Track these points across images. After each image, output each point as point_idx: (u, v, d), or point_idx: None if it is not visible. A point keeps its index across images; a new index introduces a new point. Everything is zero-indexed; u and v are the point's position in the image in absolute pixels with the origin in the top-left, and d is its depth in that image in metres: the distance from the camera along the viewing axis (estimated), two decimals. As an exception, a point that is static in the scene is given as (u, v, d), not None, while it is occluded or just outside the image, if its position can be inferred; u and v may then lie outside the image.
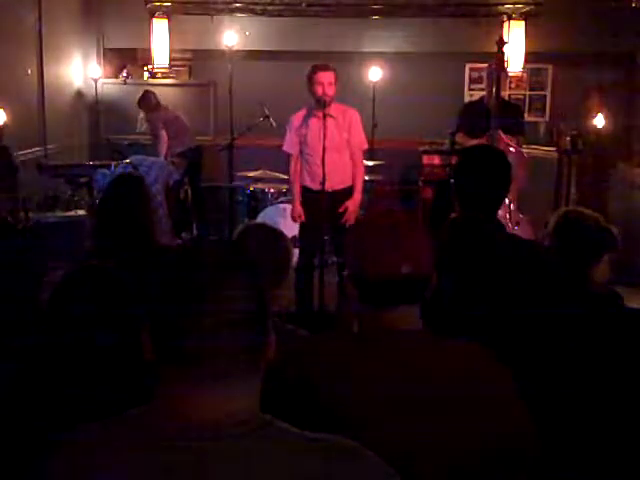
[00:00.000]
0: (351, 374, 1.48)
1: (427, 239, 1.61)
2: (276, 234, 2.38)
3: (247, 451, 1.08)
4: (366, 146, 5.45)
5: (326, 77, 5.04)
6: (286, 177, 5.61)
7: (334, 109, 5.18)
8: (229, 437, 1.09)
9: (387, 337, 1.53)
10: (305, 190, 5.36)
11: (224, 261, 1.15)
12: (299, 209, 5.30)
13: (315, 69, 5.08)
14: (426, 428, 1.43)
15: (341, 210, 5.21)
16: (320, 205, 5.06)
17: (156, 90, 8.13)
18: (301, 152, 5.35)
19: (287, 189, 5.86)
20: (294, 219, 5.38)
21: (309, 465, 1.09)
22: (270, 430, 1.12)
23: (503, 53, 5.42)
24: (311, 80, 5.07)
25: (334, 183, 5.15)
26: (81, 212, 5.65)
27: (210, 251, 1.18)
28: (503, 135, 5.30)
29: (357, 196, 5.28)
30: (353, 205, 5.25)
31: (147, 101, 7.39)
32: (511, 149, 5.10)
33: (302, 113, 5.30)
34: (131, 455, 1.08)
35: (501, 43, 5.34)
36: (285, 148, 5.37)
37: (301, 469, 1.09)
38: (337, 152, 5.17)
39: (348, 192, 5.27)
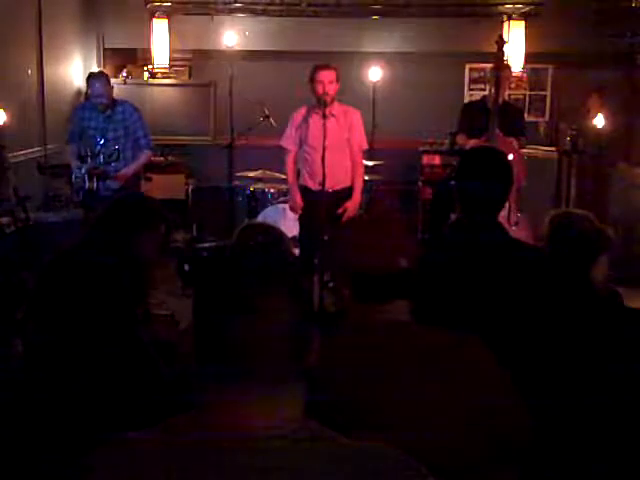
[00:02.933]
0: (347, 368, 1.49)
1: (406, 235, 1.69)
2: (276, 233, 2.38)
3: (295, 462, 1.07)
4: (366, 146, 5.46)
5: (327, 76, 5.06)
6: (286, 177, 5.62)
7: (336, 109, 5.20)
8: (277, 447, 1.07)
9: (380, 330, 1.55)
10: (304, 190, 5.37)
11: (269, 269, 1.13)
12: (299, 202, 5.34)
13: (316, 68, 5.12)
14: (420, 418, 1.45)
15: (341, 211, 5.22)
16: (319, 205, 5.06)
17: (156, 90, 8.14)
18: (301, 151, 5.37)
19: (287, 189, 5.86)
20: (294, 211, 5.43)
21: (357, 474, 1.08)
22: (318, 440, 1.11)
23: (503, 52, 5.41)
24: (312, 79, 5.09)
25: (334, 183, 5.16)
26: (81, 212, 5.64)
27: (254, 258, 1.16)
28: (503, 136, 5.30)
29: (357, 196, 5.30)
30: (353, 205, 5.26)
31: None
32: (510, 151, 5.10)
33: (303, 111, 5.32)
34: (176, 464, 1.07)
35: (501, 43, 5.33)
36: (283, 143, 5.41)
37: (350, 478, 1.08)
38: (337, 152, 5.18)
39: (348, 192, 5.28)
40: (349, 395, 1.45)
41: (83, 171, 5.31)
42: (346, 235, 1.72)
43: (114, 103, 5.51)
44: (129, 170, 5.48)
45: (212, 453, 1.07)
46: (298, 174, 5.48)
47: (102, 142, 5.31)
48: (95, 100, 5.44)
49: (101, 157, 5.29)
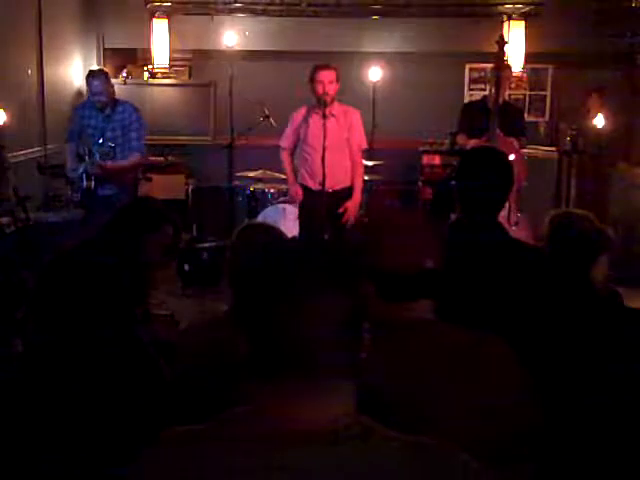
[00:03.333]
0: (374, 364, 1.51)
1: (434, 237, 1.72)
2: (276, 233, 2.38)
3: (346, 458, 1.07)
4: (366, 146, 5.47)
5: (327, 76, 5.06)
6: (285, 177, 5.63)
7: (335, 108, 5.20)
8: (328, 444, 1.07)
9: (402, 328, 1.58)
10: (304, 190, 5.37)
11: (320, 265, 1.13)
12: (299, 191, 5.35)
13: (316, 68, 5.12)
14: (442, 415, 1.47)
15: (341, 210, 5.22)
16: (319, 205, 5.07)
17: (156, 90, 8.14)
18: (300, 150, 5.37)
19: (287, 189, 5.86)
20: (294, 198, 5.43)
21: (411, 470, 1.09)
22: (372, 435, 1.11)
23: (504, 52, 5.41)
24: (312, 79, 5.09)
25: (334, 183, 5.16)
26: (81, 212, 5.64)
27: (305, 255, 1.16)
28: (504, 136, 5.30)
29: (357, 196, 5.30)
30: (353, 205, 5.26)
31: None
32: (511, 151, 5.09)
33: (303, 111, 5.32)
34: (228, 459, 1.08)
35: (502, 42, 5.33)
36: (280, 142, 5.43)
37: (403, 474, 1.08)
38: (337, 152, 5.18)
39: (347, 192, 5.28)
40: (373, 392, 1.46)
41: (81, 170, 5.30)
42: (373, 233, 1.74)
43: (115, 103, 5.49)
44: (115, 165, 5.38)
45: (263, 449, 1.07)
46: (297, 173, 5.49)
47: (100, 141, 5.30)
48: (93, 98, 5.42)
49: (97, 155, 5.29)
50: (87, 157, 5.30)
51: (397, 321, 1.60)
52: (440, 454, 1.13)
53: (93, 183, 5.28)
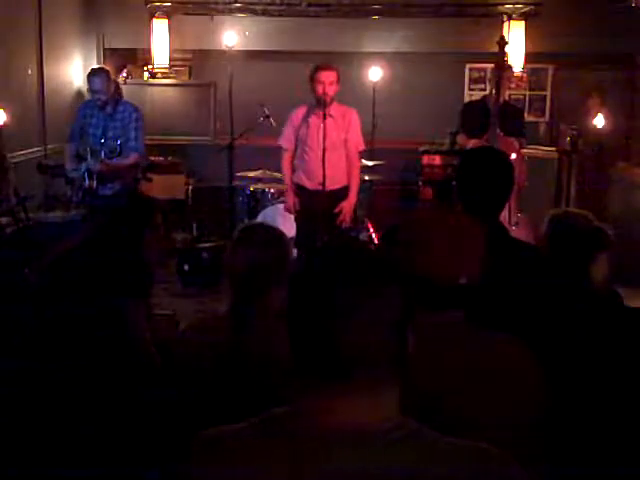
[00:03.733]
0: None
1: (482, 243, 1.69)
2: (276, 233, 2.38)
3: (399, 458, 1.07)
4: (363, 147, 5.46)
5: (327, 76, 5.04)
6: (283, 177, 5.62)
7: (334, 109, 5.19)
8: (372, 446, 1.07)
9: (433, 330, 1.58)
10: (301, 189, 5.36)
11: (369, 269, 1.13)
12: (294, 200, 5.33)
13: (317, 68, 5.09)
14: (471, 414, 1.48)
15: (336, 210, 5.22)
16: (316, 205, 5.06)
17: (156, 90, 8.14)
18: (297, 150, 5.36)
19: (287, 189, 5.86)
20: (289, 210, 5.42)
21: (459, 473, 1.09)
22: (420, 437, 1.11)
23: (505, 53, 5.41)
24: (312, 79, 5.07)
25: (330, 183, 5.16)
26: (81, 212, 5.64)
27: (351, 258, 1.15)
28: (504, 136, 5.30)
29: (352, 197, 5.30)
30: (348, 205, 5.26)
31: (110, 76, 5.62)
32: (512, 151, 5.09)
33: (302, 110, 5.31)
34: (270, 460, 1.08)
35: (502, 43, 5.33)
36: (280, 142, 5.40)
37: (451, 477, 1.08)
38: (335, 152, 5.18)
39: (344, 192, 5.27)
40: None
41: (83, 169, 5.31)
42: (414, 235, 1.70)
43: (117, 102, 5.50)
44: (113, 163, 5.40)
45: (309, 449, 1.07)
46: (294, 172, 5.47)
47: (102, 141, 5.31)
48: (93, 96, 5.43)
49: (102, 153, 5.30)
50: (89, 156, 5.31)
51: (428, 323, 1.60)
52: (487, 458, 1.12)
53: (95, 182, 5.28)
